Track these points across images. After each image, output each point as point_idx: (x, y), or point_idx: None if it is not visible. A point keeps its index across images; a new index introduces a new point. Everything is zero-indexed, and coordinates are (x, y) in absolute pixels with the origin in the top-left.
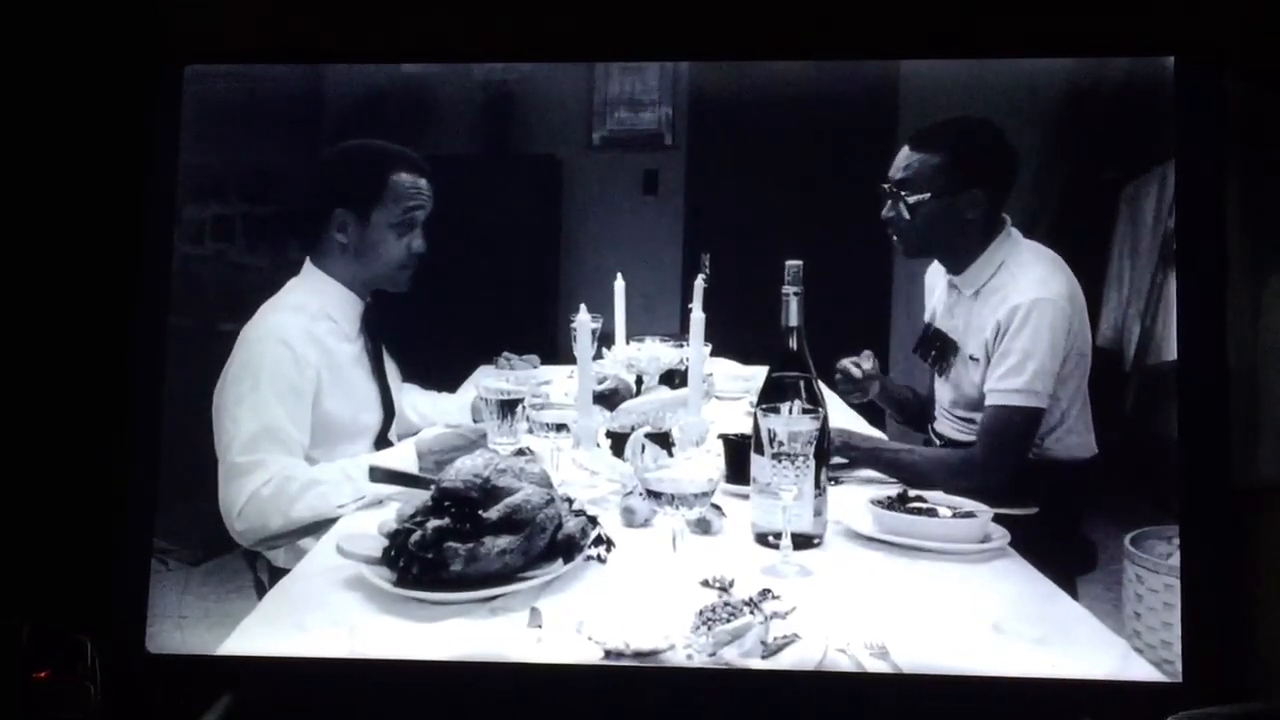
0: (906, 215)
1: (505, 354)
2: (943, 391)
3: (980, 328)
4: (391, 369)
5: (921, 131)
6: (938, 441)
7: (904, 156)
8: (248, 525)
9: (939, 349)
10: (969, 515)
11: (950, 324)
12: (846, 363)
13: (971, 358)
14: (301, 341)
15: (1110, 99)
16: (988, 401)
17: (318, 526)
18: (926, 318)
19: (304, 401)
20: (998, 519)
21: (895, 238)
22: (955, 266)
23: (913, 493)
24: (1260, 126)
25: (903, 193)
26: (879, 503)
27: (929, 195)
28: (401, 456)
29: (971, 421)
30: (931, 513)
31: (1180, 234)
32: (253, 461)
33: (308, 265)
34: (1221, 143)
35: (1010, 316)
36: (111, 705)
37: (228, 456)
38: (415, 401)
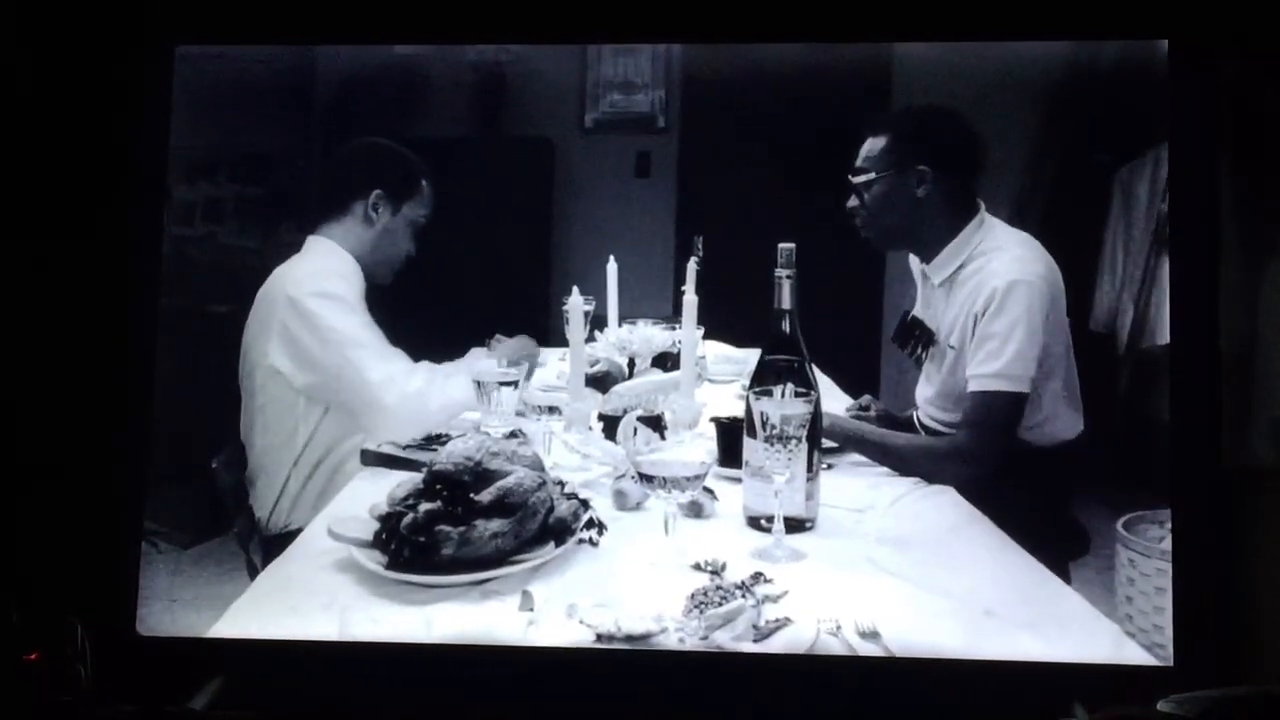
0: (859, 201)
1: (497, 335)
2: (923, 386)
3: (956, 316)
4: None
5: (873, 119)
6: (922, 433)
7: (863, 148)
8: (419, 385)
9: (916, 338)
10: None
11: (927, 314)
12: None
13: (950, 346)
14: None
15: (1104, 82)
16: (970, 388)
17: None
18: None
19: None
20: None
21: (861, 229)
22: (925, 254)
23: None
24: (1254, 110)
25: (856, 179)
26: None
27: (874, 174)
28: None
29: (951, 412)
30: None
31: (1173, 218)
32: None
33: (314, 239)
34: (1215, 126)
35: (989, 301)
36: (102, 687)
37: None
38: None
